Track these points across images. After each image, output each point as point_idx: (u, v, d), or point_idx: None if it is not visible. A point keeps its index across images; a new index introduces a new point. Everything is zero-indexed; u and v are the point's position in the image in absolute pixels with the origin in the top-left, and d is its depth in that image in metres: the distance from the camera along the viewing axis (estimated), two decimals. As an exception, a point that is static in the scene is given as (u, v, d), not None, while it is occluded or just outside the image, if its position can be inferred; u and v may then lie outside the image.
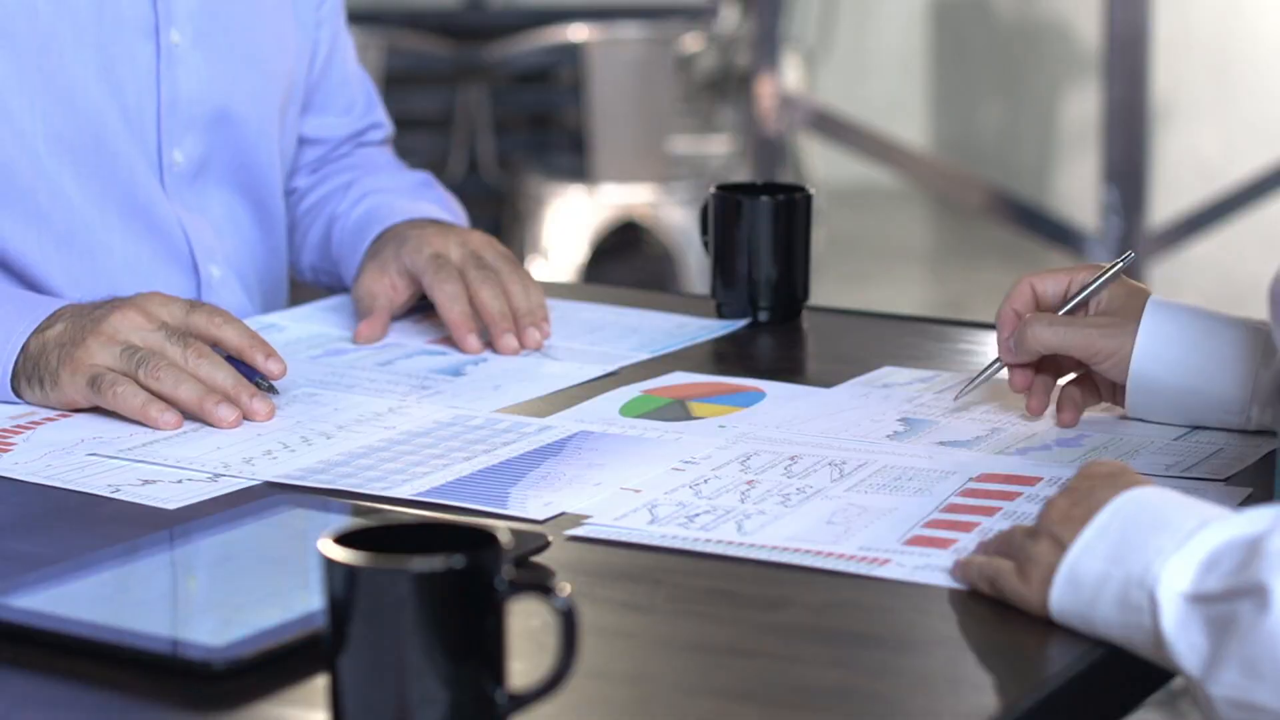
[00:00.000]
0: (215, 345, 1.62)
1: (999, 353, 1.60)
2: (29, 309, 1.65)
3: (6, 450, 1.53)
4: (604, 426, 1.59)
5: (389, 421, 1.60)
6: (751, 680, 1.14)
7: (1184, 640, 1.13)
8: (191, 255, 1.86)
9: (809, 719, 1.10)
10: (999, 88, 7.71)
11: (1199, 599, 1.13)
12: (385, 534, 1.05)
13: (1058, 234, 4.85)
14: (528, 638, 1.14)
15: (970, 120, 7.88)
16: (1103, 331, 1.55)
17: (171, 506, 1.41)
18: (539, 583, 1.03)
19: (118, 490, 1.45)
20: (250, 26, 1.89)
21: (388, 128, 2.12)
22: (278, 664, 1.14)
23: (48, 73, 1.76)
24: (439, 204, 1.98)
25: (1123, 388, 1.57)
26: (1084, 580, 1.19)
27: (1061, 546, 1.21)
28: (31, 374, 1.62)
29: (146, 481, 1.46)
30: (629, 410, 1.64)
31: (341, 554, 1.01)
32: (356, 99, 2.08)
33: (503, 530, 1.04)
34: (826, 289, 5.98)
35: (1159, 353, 1.54)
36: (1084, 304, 1.58)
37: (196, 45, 1.84)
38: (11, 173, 1.76)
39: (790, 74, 5.84)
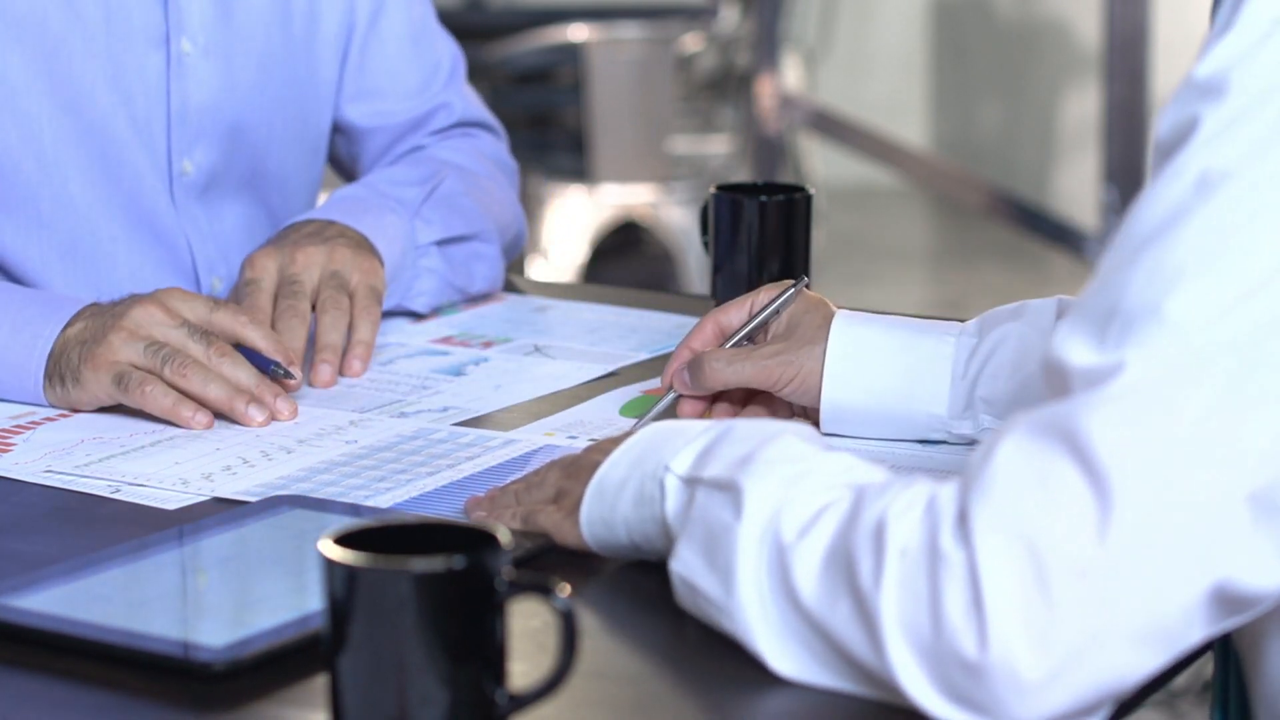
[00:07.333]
0: (237, 344, 1.61)
1: (667, 383, 1.55)
2: (54, 309, 1.63)
3: (6, 450, 1.53)
4: (604, 427, 1.59)
5: (350, 435, 1.57)
6: (751, 680, 1.14)
7: (676, 519, 1.18)
8: (194, 267, 1.84)
9: (809, 719, 1.10)
10: (999, 88, 7.71)
11: (692, 482, 1.18)
12: (385, 534, 1.05)
13: (1058, 234, 4.85)
14: (528, 638, 1.14)
15: (970, 120, 7.88)
16: (778, 360, 1.51)
17: (171, 507, 1.41)
18: (539, 583, 1.03)
19: (118, 490, 1.45)
20: (267, 33, 1.86)
21: (457, 110, 2.00)
22: (278, 664, 1.14)
23: (57, 78, 1.74)
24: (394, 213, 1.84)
25: (813, 409, 1.52)
26: (608, 488, 1.24)
27: (593, 473, 1.26)
28: (53, 372, 1.59)
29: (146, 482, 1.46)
30: (629, 410, 1.64)
31: (341, 554, 1.01)
32: (429, 82, 1.98)
33: (503, 530, 1.04)
34: (826, 289, 5.95)
35: (849, 376, 1.50)
36: (764, 326, 1.55)
37: (208, 54, 1.81)
38: (17, 178, 1.74)
39: (790, 74, 5.84)
